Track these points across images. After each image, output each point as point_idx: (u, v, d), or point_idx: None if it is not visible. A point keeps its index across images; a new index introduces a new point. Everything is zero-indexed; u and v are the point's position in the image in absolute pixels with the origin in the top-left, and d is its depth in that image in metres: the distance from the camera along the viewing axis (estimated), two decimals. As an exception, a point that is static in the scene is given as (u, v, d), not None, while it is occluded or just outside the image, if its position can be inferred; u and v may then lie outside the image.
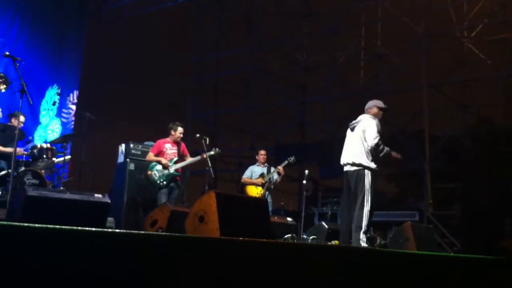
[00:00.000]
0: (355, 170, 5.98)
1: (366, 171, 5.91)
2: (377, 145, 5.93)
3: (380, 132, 6.04)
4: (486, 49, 11.00)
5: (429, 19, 11.06)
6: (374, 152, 6.00)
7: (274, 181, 8.73)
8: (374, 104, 6.22)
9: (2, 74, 6.03)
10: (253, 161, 9.21)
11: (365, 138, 6.01)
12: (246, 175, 8.92)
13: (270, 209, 8.50)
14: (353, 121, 6.21)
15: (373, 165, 5.95)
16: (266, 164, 8.96)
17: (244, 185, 8.83)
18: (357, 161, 5.98)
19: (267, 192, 8.64)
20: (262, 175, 8.75)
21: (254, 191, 8.61)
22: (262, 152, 9.04)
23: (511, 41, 10.72)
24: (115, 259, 2.75)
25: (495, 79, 10.89)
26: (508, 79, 10.68)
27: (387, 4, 11.98)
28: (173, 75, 13.26)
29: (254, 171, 8.88)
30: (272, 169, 8.80)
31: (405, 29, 11.58)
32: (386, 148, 6.03)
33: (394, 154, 6.12)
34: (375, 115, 6.17)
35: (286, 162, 8.70)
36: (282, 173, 8.76)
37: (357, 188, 5.90)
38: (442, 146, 10.54)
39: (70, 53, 12.55)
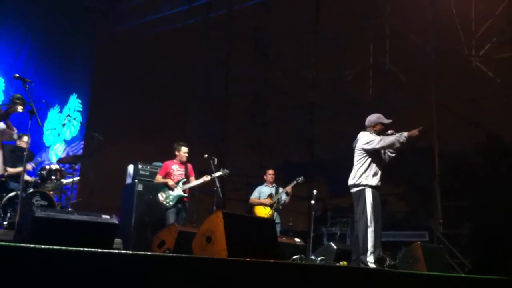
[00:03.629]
0: (356, 192, 5.91)
1: (366, 190, 5.80)
2: (381, 142, 5.79)
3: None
4: (494, 67, 10.97)
5: (437, 36, 11.06)
6: (387, 149, 5.87)
7: (283, 201, 8.68)
8: (378, 120, 6.04)
9: (19, 96, 6.13)
10: (261, 181, 9.18)
11: (362, 154, 5.91)
12: (254, 196, 8.89)
13: (278, 230, 8.48)
14: (354, 141, 6.14)
15: (372, 182, 5.83)
16: (274, 184, 8.92)
17: (252, 205, 8.80)
18: (356, 182, 5.90)
19: (275, 213, 8.60)
20: (270, 196, 8.71)
21: (263, 212, 8.57)
22: (270, 172, 9.00)
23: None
24: (121, 281, 2.74)
25: (505, 97, 10.84)
26: (517, 97, 10.64)
27: (395, 22, 12.01)
28: (183, 94, 13.30)
29: (263, 192, 8.84)
30: (281, 189, 8.76)
31: (413, 47, 11.58)
32: (392, 136, 5.81)
33: (412, 132, 5.78)
34: (379, 131, 6.03)
35: (295, 182, 8.66)
36: (291, 193, 8.72)
37: (360, 209, 5.81)
38: (451, 164, 10.47)
39: (79, 74, 12.72)
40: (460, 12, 11.04)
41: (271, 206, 8.57)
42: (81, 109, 12.49)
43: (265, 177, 9.01)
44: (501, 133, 11.22)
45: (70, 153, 11.70)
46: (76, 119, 12.08)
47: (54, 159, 11.34)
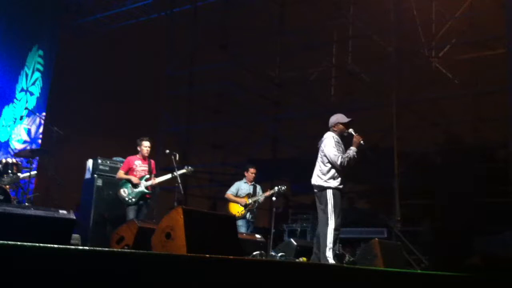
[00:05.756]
0: (317, 192, 6.02)
1: (327, 191, 5.91)
2: (341, 165, 5.91)
3: (341, 148, 6.04)
4: (454, 68, 11.20)
5: (399, 37, 11.23)
6: (343, 169, 5.98)
7: (259, 203, 8.61)
8: (336, 121, 6.18)
9: None
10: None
11: (326, 158, 6.00)
12: (231, 191, 8.63)
13: (251, 228, 8.44)
14: (319, 140, 6.22)
15: (334, 184, 5.93)
16: (253, 182, 8.77)
17: (227, 201, 8.66)
18: (317, 183, 6.00)
19: (248, 213, 8.49)
20: (248, 195, 8.57)
21: (236, 209, 8.43)
22: (252, 170, 8.72)
23: (479, 61, 10.96)
24: (78, 277, 2.70)
25: (464, 98, 11.08)
26: (476, 97, 10.90)
27: (358, 23, 12.15)
28: (146, 90, 13.19)
29: (241, 188, 8.64)
30: (259, 189, 8.66)
31: (376, 47, 11.74)
32: (349, 154, 5.97)
33: (356, 140, 6.05)
34: (341, 131, 6.16)
35: (276, 189, 8.49)
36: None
37: (321, 208, 5.91)
38: (412, 163, 10.65)
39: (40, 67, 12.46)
40: (421, 14, 11.24)
41: (245, 206, 8.46)
42: (42, 69, 12.19)
43: (246, 174, 8.77)
44: (460, 133, 11.49)
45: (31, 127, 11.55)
46: (38, 80, 11.79)
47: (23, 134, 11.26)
